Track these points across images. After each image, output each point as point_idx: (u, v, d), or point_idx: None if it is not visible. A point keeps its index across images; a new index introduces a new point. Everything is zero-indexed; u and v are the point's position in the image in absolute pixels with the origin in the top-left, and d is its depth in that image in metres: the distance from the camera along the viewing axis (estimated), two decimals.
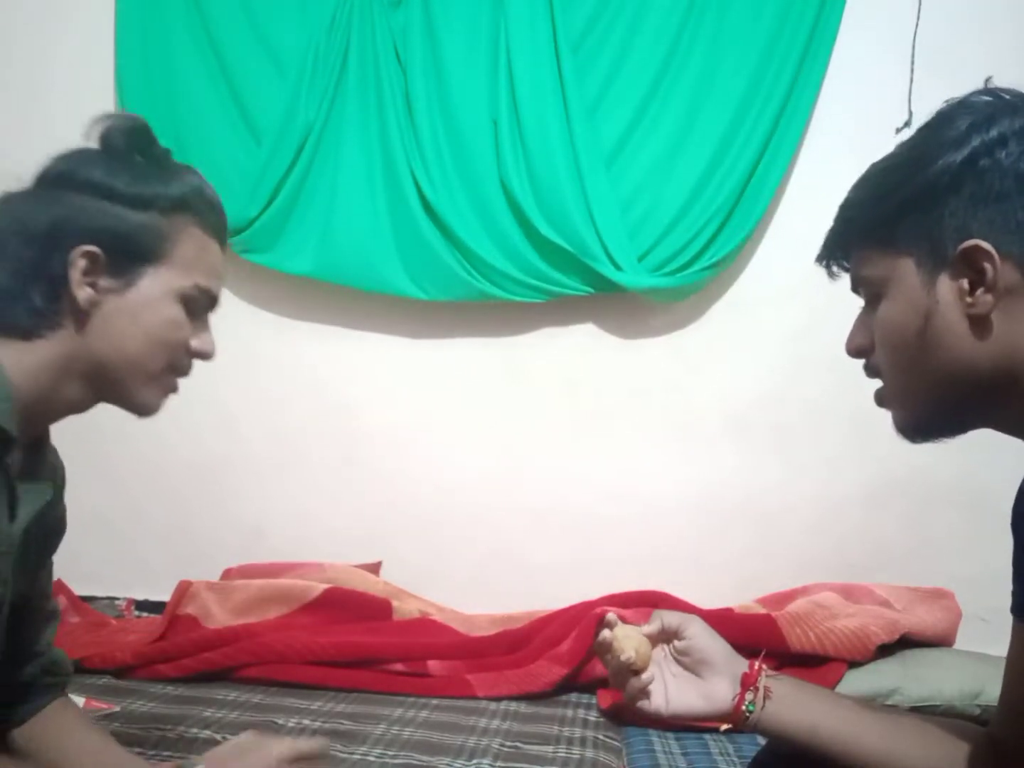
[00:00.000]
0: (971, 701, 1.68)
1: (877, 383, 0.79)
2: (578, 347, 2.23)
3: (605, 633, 0.88)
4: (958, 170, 0.68)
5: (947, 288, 0.70)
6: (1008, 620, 0.79)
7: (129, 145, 0.88)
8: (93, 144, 0.89)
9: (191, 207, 0.89)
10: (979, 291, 0.68)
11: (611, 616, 0.89)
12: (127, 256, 0.85)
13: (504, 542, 2.23)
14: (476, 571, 2.22)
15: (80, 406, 0.90)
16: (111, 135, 0.88)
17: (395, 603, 2.03)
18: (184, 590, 1.99)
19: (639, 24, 2.11)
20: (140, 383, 0.89)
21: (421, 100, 2.14)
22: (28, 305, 0.83)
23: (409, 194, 2.14)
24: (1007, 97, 0.70)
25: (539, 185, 2.10)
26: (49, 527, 0.97)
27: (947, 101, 0.72)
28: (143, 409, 0.91)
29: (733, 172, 2.08)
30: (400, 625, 1.99)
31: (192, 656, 1.80)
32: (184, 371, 0.93)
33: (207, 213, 0.91)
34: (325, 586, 2.01)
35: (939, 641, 1.89)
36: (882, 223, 0.73)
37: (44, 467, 0.93)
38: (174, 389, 0.93)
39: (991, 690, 1.66)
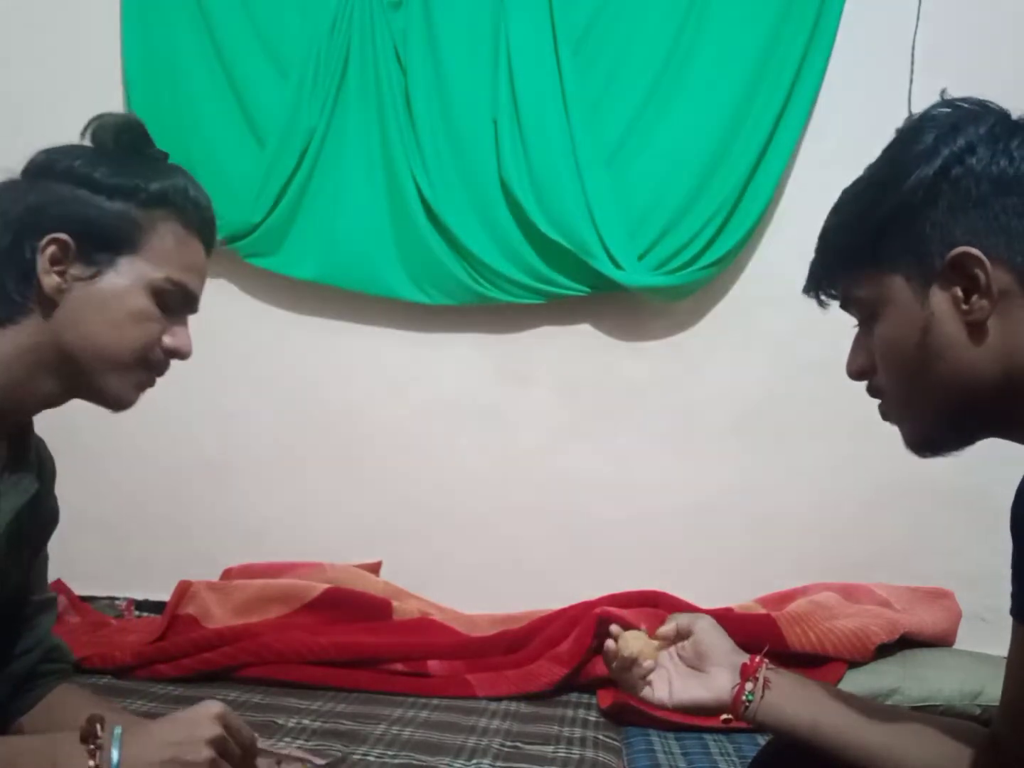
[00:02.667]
0: (971, 701, 1.68)
1: (903, 440, 0.79)
2: (578, 348, 2.23)
3: (609, 643, 0.91)
4: (932, 182, 0.69)
5: (940, 299, 0.70)
6: (1008, 620, 0.79)
7: (119, 142, 0.88)
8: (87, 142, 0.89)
9: (172, 203, 0.88)
10: (974, 297, 0.68)
11: (614, 628, 0.92)
12: (98, 245, 0.84)
13: (504, 542, 2.23)
14: (476, 571, 2.22)
15: (53, 399, 0.89)
16: (100, 131, 0.88)
17: (395, 603, 2.03)
18: (184, 590, 2.00)
19: (639, 24, 2.11)
20: (109, 375, 0.87)
21: (421, 101, 2.14)
22: (1, 292, 0.83)
23: (409, 197, 2.14)
24: (966, 106, 0.71)
25: (539, 184, 2.10)
26: (41, 519, 0.97)
27: (907, 119, 0.73)
28: (115, 403, 0.89)
29: (734, 171, 2.08)
30: (400, 625, 1.99)
31: (192, 656, 1.80)
32: (158, 368, 0.91)
33: (190, 210, 0.90)
34: (325, 586, 2.02)
35: (939, 641, 1.89)
36: (864, 245, 0.74)
37: (27, 461, 0.92)
38: (149, 384, 0.91)
39: (991, 690, 1.66)
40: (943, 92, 0.74)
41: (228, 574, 2.15)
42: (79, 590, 2.15)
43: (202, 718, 0.78)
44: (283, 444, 2.30)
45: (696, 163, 2.10)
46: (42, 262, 0.82)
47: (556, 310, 2.20)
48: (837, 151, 2.06)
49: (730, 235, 2.10)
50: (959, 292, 0.69)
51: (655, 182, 2.12)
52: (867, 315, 0.76)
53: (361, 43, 2.17)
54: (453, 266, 2.13)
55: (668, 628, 0.91)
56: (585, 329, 2.24)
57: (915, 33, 2.09)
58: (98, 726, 0.74)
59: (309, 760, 0.86)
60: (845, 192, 0.77)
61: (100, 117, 0.89)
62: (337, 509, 2.27)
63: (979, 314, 0.68)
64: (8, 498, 0.86)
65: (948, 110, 0.71)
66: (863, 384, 0.80)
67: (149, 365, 0.90)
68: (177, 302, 0.90)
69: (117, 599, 2.27)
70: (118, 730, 0.75)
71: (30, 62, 2.23)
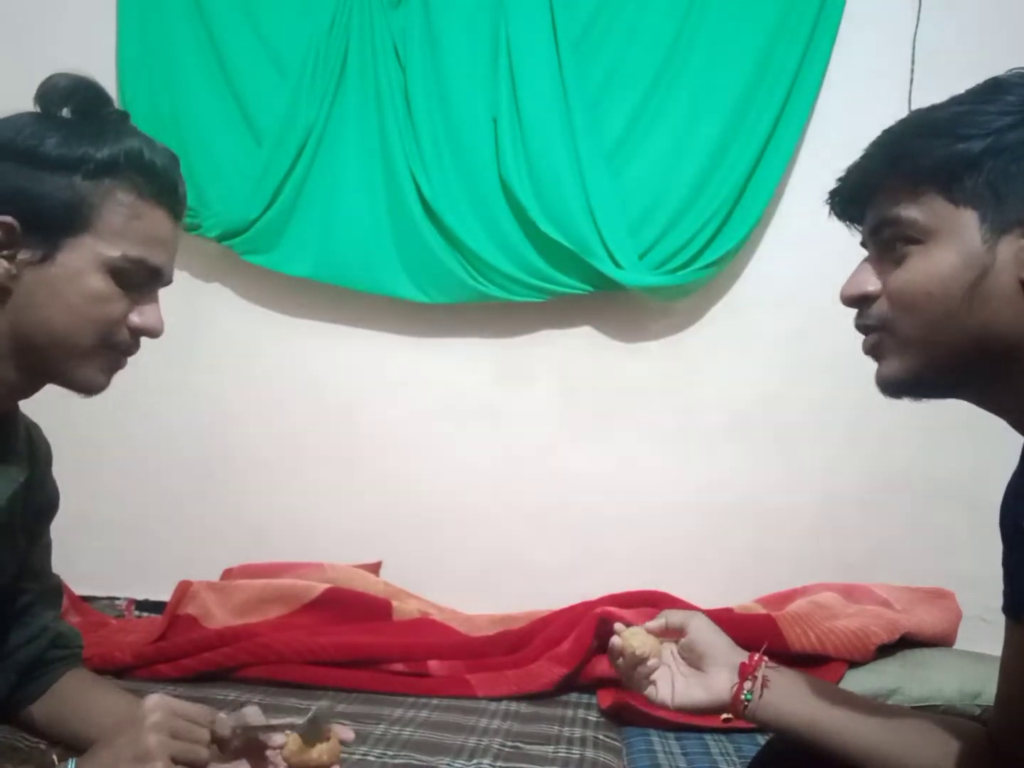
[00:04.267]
0: (971, 701, 1.68)
1: (879, 373, 0.76)
2: (578, 348, 2.23)
3: (614, 640, 0.90)
4: None
5: (1008, 248, 0.68)
6: None
7: (69, 106, 0.82)
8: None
9: (125, 170, 0.81)
10: None
11: (619, 625, 0.92)
12: (45, 225, 0.79)
13: (504, 542, 2.23)
14: (476, 571, 2.22)
15: (22, 389, 0.86)
16: (48, 96, 0.83)
17: (395, 603, 2.03)
18: (184, 590, 1.99)
19: (639, 23, 2.11)
20: (72, 362, 0.83)
21: (421, 99, 2.14)
22: None
23: (408, 194, 2.14)
24: None
25: (539, 183, 2.10)
26: (35, 506, 0.95)
27: (1012, 70, 0.70)
28: (83, 389, 0.86)
29: (734, 170, 2.07)
30: (400, 625, 1.99)
31: (192, 656, 1.80)
32: (126, 348, 0.86)
33: (146, 177, 0.83)
34: (325, 586, 2.02)
35: (939, 641, 1.89)
36: (952, 168, 0.69)
37: (14, 451, 0.90)
38: (118, 366, 0.87)
39: (991, 690, 1.65)
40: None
41: (228, 574, 2.15)
42: (79, 590, 2.14)
43: (139, 716, 0.76)
44: (283, 444, 2.30)
45: (696, 162, 2.09)
46: None
47: (556, 310, 2.20)
48: (837, 151, 2.05)
49: (730, 235, 2.09)
50: None
51: (655, 181, 2.11)
52: (906, 239, 0.72)
53: (360, 40, 2.17)
54: (452, 264, 2.13)
55: (657, 623, 0.91)
56: (585, 330, 2.24)
57: (915, 33, 2.09)
58: (55, 757, 0.74)
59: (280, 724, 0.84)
60: (934, 109, 0.72)
61: (49, 80, 0.83)
62: (337, 509, 2.26)
63: None
64: None
65: None
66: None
67: (115, 347, 0.85)
68: (141, 278, 0.85)
69: (117, 599, 2.27)
70: (72, 764, 0.75)
71: (23, 56, 2.23)
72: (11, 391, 0.86)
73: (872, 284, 0.75)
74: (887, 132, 0.75)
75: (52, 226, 0.79)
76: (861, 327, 0.77)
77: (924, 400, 0.76)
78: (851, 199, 0.78)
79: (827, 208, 0.80)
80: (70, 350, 0.82)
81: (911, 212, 0.71)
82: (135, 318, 0.85)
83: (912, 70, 2.08)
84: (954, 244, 0.69)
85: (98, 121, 0.83)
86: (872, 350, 0.76)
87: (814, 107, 2.12)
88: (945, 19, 2.08)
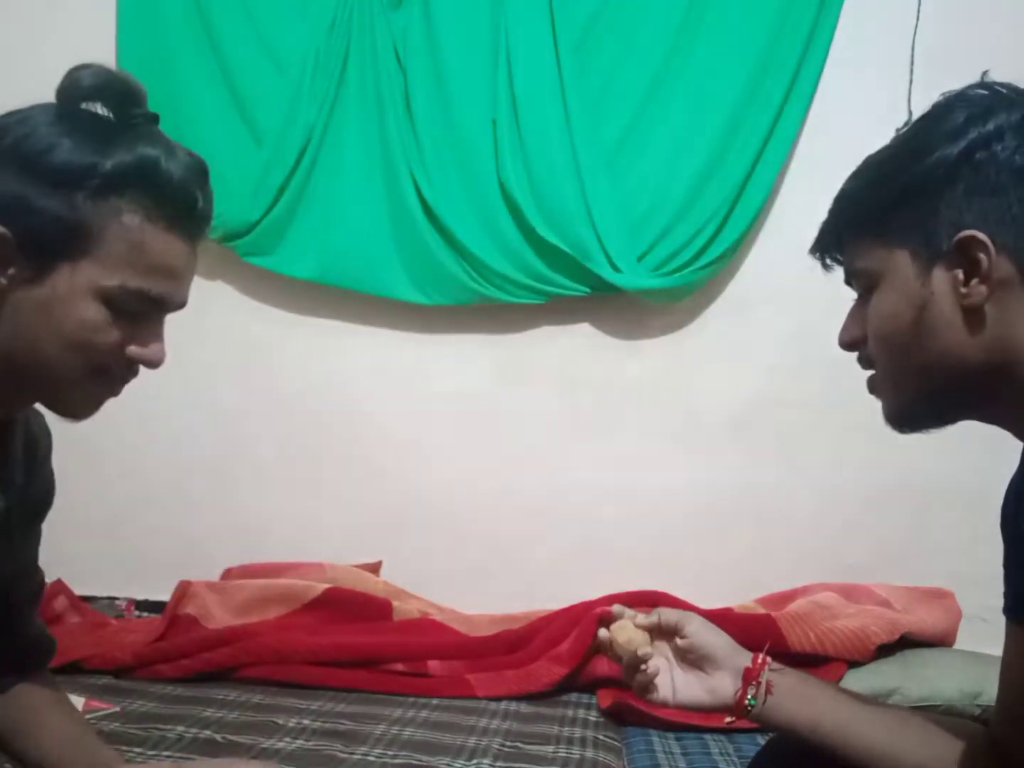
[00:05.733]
0: (971, 701, 1.68)
1: (883, 412, 0.78)
2: (577, 348, 2.23)
3: (602, 631, 0.90)
4: (954, 162, 0.68)
5: (942, 279, 0.70)
6: None
7: (92, 104, 0.76)
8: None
9: (132, 186, 0.73)
10: (973, 281, 0.68)
11: (617, 608, 0.91)
12: (40, 244, 0.72)
13: (504, 542, 2.23)
14: (476, 571, 2.22)
15: (11, 404, 0.82)
16: (69, 90, 0.76)
17: (395, 603, 2.03)
18: (184, 590, 1.99)
19: (638, 26, 2.11)
20: (59, 388, 0.77)
21: (421, 101, 2.14)
22: None
23: (408, 196, 2.14)
24: (1004, 91, 0.70)
25: (538, 186, 2.10)
26: (33, 506, 0.93)
27: (944, 94, 0.72)
28: (67, 415, 0.79)
29: (733, 171, 2.08)
30: (400, 625, 1.99)
31: (192, 656, 1.80)
32: (119, 378, 0.79)
33: (158, 193, 0.74)
34: (325, 586, 2.02)
35: (939, 641, 1.89)
36: (877, 214, 0.73)
37: (8, 467, 0.86)
38: (110, 395, 0.80)
39: (991, 690, 1.65)
40: (985, 74, 0.73)
41: (228, 574, 2.15)
42: (79, 590, 2.15)
43: None
44: (283, 444, 2.30)
45: (695, 163, 2.09)
46: None
47: (556, 310, 2.20)
48: (835, 151, 2.05)
49: (727, 235, 2.10)
50: (960, 275, 0.69)
51: (654, 183, 2.12)
52: (867, 286, 0.76)
53: (360, 42, 2.17)
54: (452, 265, 2.13)
55: (650, 620, 0.89)
56: (585, 329, 2.24)
57: (915, 33, 2.09)
58: None
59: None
60: (869, 158, 0.76)
61: (73, 72, 0.76)
62: (337, 509, 2.26)
63: (975, 298, 0.68)
64: None
65: (985, 92, 0.70)
66: (862, 384, 0.80)
67: (105, 376, 0.78)
68: (141, 307, 0.76)
69: (117, 599, 2.27)
70: None
71: (23, 58, 2.23)
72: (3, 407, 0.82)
73: (857, 329, 0.78)
74: (841, 186, 0.78)
75: (47, 246, 0.72)
76: (862, 365, 0.80)
77: (933, 430, 0.77)
78: (824, 254, 0.81)
79: (816, 262, 0.83)
80: (57, 376, 0.75)
81: (862, 262, 0.75)
82: (134, 349, 0.77)
83: (912, 70, 2.08)
84: (893, 284, 0.72)
85: (120, 124, 0.76)
86: (870, 387, 0.79)
87: (813, 108, 2.12)
88: (945, 19, 2.08)
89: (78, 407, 0.79)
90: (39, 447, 0.92)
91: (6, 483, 0.85)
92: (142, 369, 0.81)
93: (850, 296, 0.81)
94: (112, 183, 0.72)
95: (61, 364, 0.75)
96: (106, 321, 0.74)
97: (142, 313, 0.77)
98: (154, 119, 0.80)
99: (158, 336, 0.79)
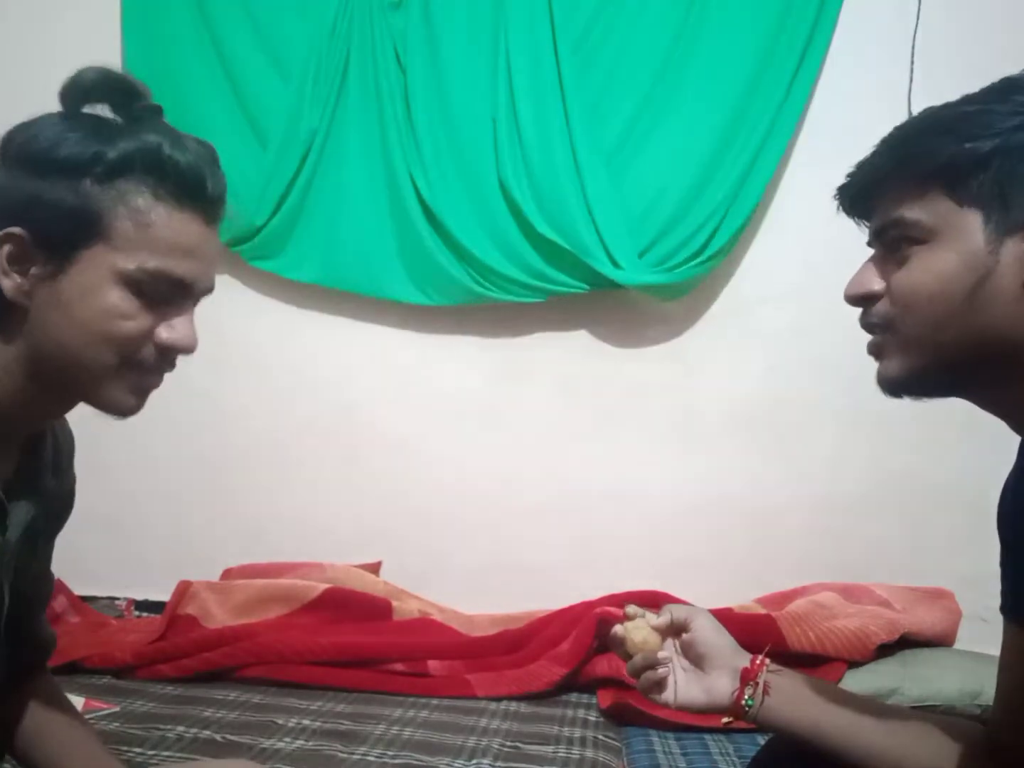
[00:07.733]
0: (971, 701, 1.68)
1: (879, 372, 0.76)
2: (577, 349, 2.23)
3: (616, 627, 0.90)
4: None
5: (1012, 251, 0.67)
6: None
7: (94, 101, 0.77)
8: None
9: (139, 169, 0.73)
10: None
11: (631, 608, 0.91)
12: (55, 237, 0.72)
13: (504, 542, 2.23)
14: (476, 571, 2.22)
15: (50, 410, 0.82)
16: (71, 91, 0.76)
17: (395, 603, 2.03)
18: (184, 590, 2.00)
19: (638, 25, 2.11)
20: (96, 382, 0.76)
21: (421, 101, 2.14)
22: None
23: (408, 197, 2.14)
24: None
25: (538, 185, 2.10)
26: (57, 508, 0.93)
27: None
28: (114, 411, 0.79)
29: (734, 168, 2.07)
30: (400, 625, 1.99)
31: (192, 656, 1.80)
32: (153, 367, 0.78)
33: (166, 175, 0.74)
34: (325, 586, 2.02)
35: (939, 641, 1.89)
36: (958, 167, 0.68)
37: (38, 475, 0.86)
38: (151, 386, 0.80)
39: (991, 690, 1.65)
40: None
41: (228, 574, 2.15)
42: (79, 590, 2.15)
43: None
44: (283, 444, 2.30)
45: (696, 162, 2.09)
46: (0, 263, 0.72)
47: (556, 311, 2.20)
48: (835, 150, 2.05)
49: (727, 230, 2.09)
50: None
51: (655, 181, 2.12)
52: (910, 239, 0.71)
53: (361, 44, 2.17)
54: (452, 266, 2.13)
55: (663, 619, 0.90)
56: (585, 330, 2.24)
57: (915, 33, 2.09)
58: None
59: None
60: (950, 107, 0.71)
61: (74, 75, 0.76)
62: (337, 509, 2.26)
63: None
64: (16, 514, 0.81)
65: None
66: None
67: (140, 366, 0.77)
68: (165, 291, 0.76)
69: (117, 599, 2.27)
70: None
71: (29, 64, 2.24)
72: (41, 412, 0.81)
73: (875, 283, 0.74)
74: (897, 129, 0.74)
75: (61, 237, 0.72)
76: (865, 325, 0.76)
77: (923, 399, 0.75)
78: (858, 197, 0.77)
79: (835, 204, 0.79)
80: (91, 371, 0.75)
81: (915, 213, 0.70)
82: (163, 334, 0.77)
83: (912, 70, 2.08)
84: (957, 245, 0.69)
85: (125, 117, 0.77)
86: (874, 349, 0.76)
87: (813, 106, 2.12)
88: (945, 19, 2.08)
89: (120, 402, 0.78)
90: (63, 454, 0.93)
91: (38, 491, 0.85)
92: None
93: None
94: (118, 167, 0.73)
95: (91, 357, 0.74)
96: (132, 307, 0.74)
97: (170, 299, 0.77)
98: (158, 111, 0.80)
99: (188, 321, 0.79)
